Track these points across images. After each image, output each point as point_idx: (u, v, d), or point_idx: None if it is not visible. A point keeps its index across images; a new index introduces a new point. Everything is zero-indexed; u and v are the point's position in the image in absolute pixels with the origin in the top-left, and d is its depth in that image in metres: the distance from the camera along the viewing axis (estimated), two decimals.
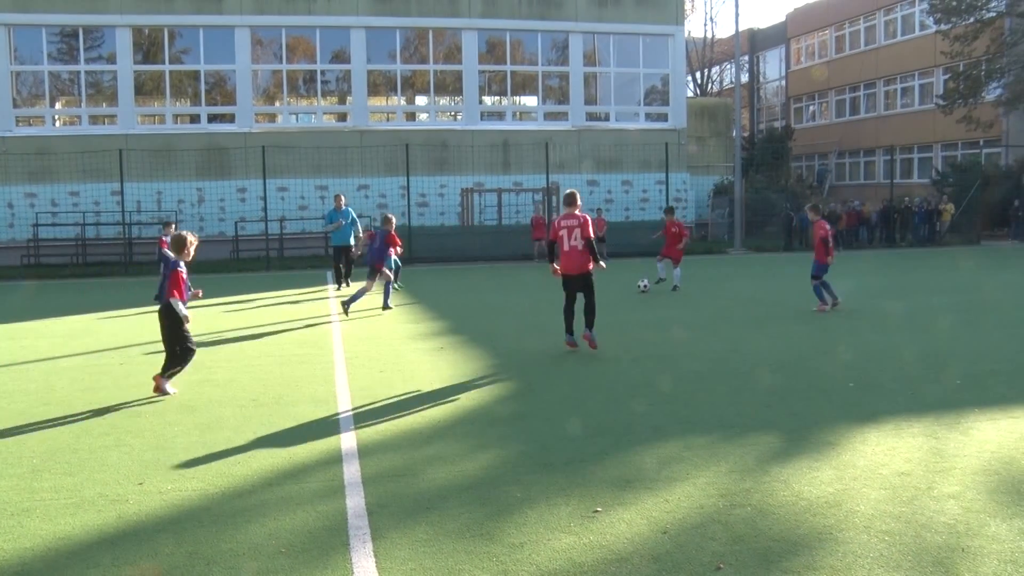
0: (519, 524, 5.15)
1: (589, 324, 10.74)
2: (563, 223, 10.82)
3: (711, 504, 5.42)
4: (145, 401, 8.70)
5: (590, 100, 35.47)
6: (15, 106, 31.15)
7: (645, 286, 16.93)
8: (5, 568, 4.72)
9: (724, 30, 63.84)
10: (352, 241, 20.45)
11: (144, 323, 14.68)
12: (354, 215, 21.23)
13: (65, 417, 8.09)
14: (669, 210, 20.10)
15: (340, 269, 20.49)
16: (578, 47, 34.71)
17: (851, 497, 5.47)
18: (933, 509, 5.25)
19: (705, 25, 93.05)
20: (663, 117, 35.95)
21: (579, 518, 5.22)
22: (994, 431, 6.97)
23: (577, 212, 10.89)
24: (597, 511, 5.32)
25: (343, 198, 21.28)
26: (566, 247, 10.71)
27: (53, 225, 29.83)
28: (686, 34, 39.28)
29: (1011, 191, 34.81)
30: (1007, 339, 11.65)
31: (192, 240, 9.33)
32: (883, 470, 6.01)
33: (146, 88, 32.59)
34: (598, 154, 34.35)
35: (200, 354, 11.33)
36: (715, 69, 64.82)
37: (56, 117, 32.49)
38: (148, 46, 32.28)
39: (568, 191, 11.20)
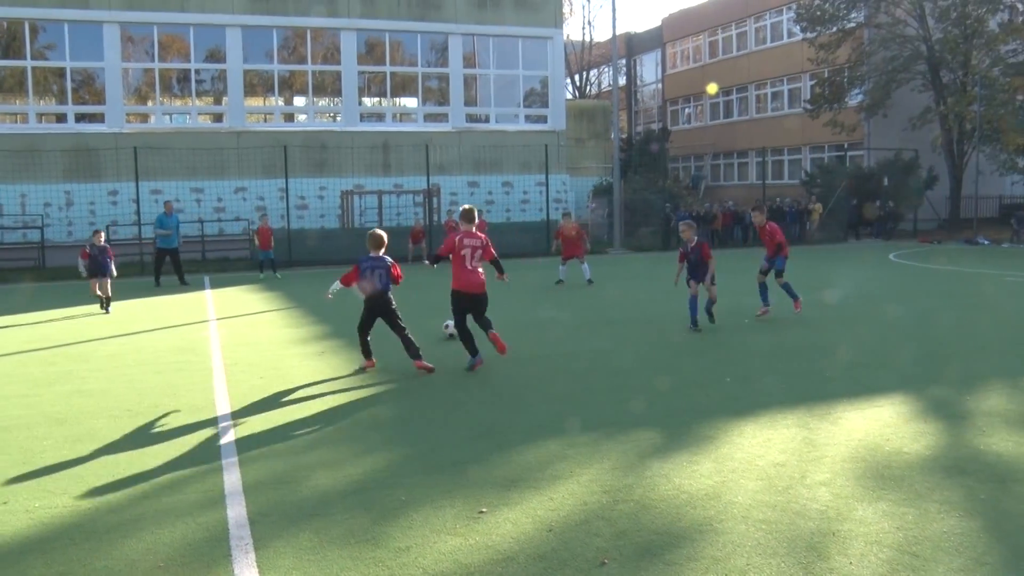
0: (404, 528, 5.14)
1: (488, 326, 10.47)
2: (466, 242, 10.32)
3: (595, 501, 5.51)
4: (11, 414, 8.31)
5: (470, 102, 35.58)
6: None
7: (448, 329, 14.16)
8: None
9: (602, 34, 64.90)
10: (177, 245, 22.75)
11: (13, 330, 14.04)
12: (179, 220, 23.46)
13: None
14: (566, 215, 20.69)
15: (160, 271, 22.61)
16: (457, 49, 34.77)
17: (730, 489, 5.65)
18: (806, 497, 5.47)
19: (583, 28, 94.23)
20: (543, 119, 36.33)
21: (464, 519, 5.24)
22: (861, 419, 7.31)
23: (475, 230, 10.69)
24: (482, 512, 5.35)
25: (172, 204, 23.91)
26: (468, 266, 10.41)
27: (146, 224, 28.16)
28: (565, 37, 39.75)
29: (873, 192, 36.42)
30: (871, 332, 12.20)
31: None
32: (760, 461, 6.22)
33: (6, 85, 31.14)
34: (478, 155, 34.49)
35: (72, 363, 10.94)
36: (593, 72, 65.91)
37: None
38: (8, 40, 30.85)
39: (466, 207, 10.89)
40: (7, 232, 28.36)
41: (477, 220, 10.69)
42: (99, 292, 16.40)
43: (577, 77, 64.91)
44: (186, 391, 9.18)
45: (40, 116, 31.45)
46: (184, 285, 22.07)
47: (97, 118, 31.25)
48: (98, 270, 16.32)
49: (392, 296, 10.28)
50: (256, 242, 24.32)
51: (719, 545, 4.78)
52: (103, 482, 6.14)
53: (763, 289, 13.71)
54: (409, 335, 10.14)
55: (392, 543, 4.92)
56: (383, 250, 10.42)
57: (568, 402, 8.37)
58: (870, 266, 23.95)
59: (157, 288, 21.76)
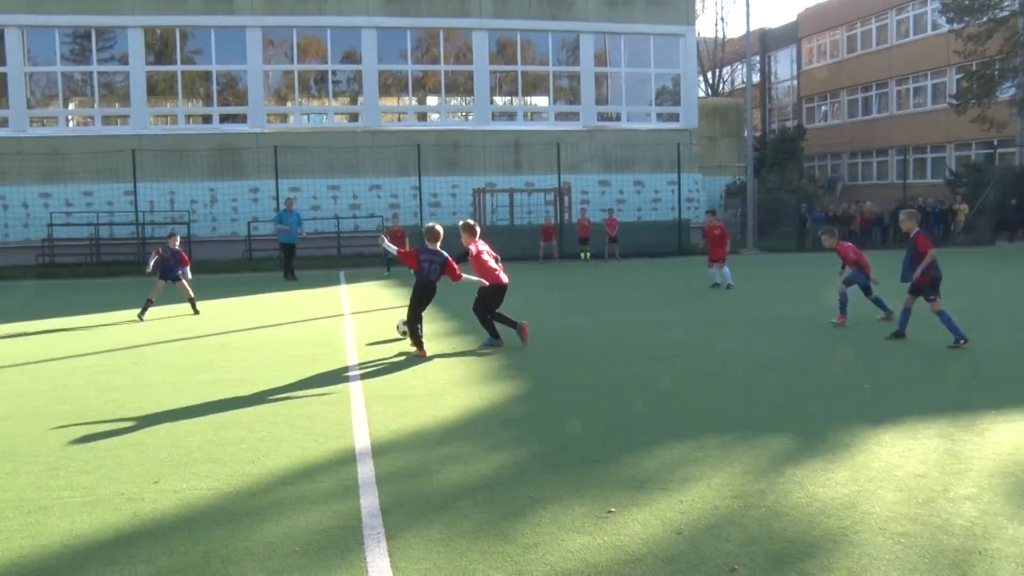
0: (533, 524, 5.15)
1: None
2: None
3: (725, 505, 5.41)
4: (159, 400, 8.73)
5: (601, 100, 35.44)
6: (29, 107, 31.29)
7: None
8: (24, 565, 4.75)
9: (735, 30, 63.51)
10: (296, 240, 23.85)
11: (155, 323, 14.74)
12: (300, 217, 24.64)
13: (80, 416, 8.13)
14: (710, 213, 20.14)
15: (290, 265, 23.68)
16: (589, 47, 34.70)
17: (866, 499, 5.45)
18: (949, 511, 5.22)
19: (716, 25, 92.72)
20: (674, 117, 35.90)
21: (593, 518, 5.22)
22: (1010, 433, 6.94)
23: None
24: (611, 511, 5.32)
25: (293, 202, 25.23)
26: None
27: (67, 225, 29.94)
28: (697, 34, 39.17)
29: None
30: (1015, 339, 11.59)
31: None
32: (898, 472, 5.98)
33: (159, 89, 32.69)
34: (609, 154, 34.34)
35: (213, 353, 11.41)
36: (726, 69, 64.73)
37: (69, 118, 32.62)
38: (160, 47, 32.38)
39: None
40: (157, 227, 29.79)
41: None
42: (153, 297, 15.61)
43: (709, 75, 63.89)
44: (322, 382, 9.46)
45: (188, 117, 32.90)
46: (292, 280, 22.87)
47: (240, 119, 32.49)
48: (166, 273, 15.75)
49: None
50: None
51: (855, 557, 4.61)
52: (243, 467, 6.38)
53: (843, 299, 13.18)
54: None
55: (520, 539, 4.94)
56: (439, 243, 11.28)
57: (698, 403, 8.25)
58: (1014, 271, 22.78)
59: (292, 281, 22.60)
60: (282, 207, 25.32)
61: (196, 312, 15.90)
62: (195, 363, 10.85)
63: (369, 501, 5.60)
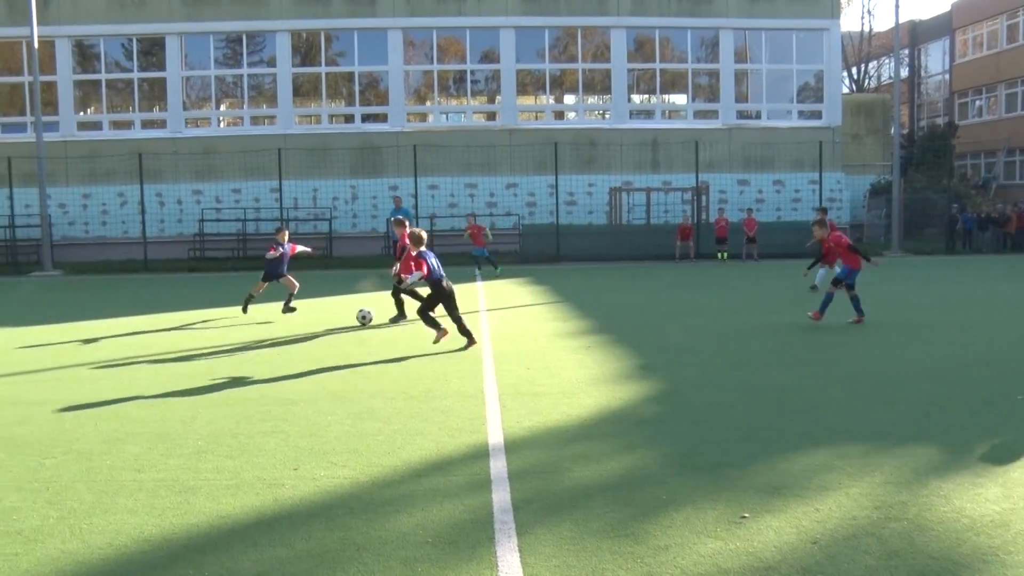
0: (664, 526, 5.09)
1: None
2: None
3: (864, 516, 5.21)
4: (300, 390, 9.03)
5: (741, 98, 34.78)
6: (185, 109, 32.89)
7: (364, 317, 14.04)
8: (174, 541, 5.00)
9: (883, 22, 61.44)
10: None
11: (298, 315, 15.22)
12: (409, 214, 25.22)
13: (226, 402, 8.49)
14: (822, 210, 19.53)
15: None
16: (729, 44, 34.09)
17: (1020, 517, 5.15)
18: None
19: (862, 18, 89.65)
20: (817, 115, 34.91)
21: (726, 523, 5.12)
22: None
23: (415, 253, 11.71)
24: (744, 517, 5.21)
25: (401, 199, 26.52)
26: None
27: (217, 220, 31.34)
28: (842, 28, 37.92)
29: None
30: None
31: None
32: None
33: (304, 90, 33.82)
34: (749, 153, 33.65)
35: (352, 346, 11.72)
36: (873, 64, 62.42)
37: (221, 119, 34.07)
38: (306, 49, 33.50)
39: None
40: (301, 223, 30.86)
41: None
42: (255, 292, 15.55)
43: (854, 70, 61.74)
44: (457, 378, 9.59)
45: (331, 117, 33.91)
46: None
47: (381, 118, 33.29)
48: (273, 272, 15.49)
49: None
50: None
51: None
52: (379, 458, 6.53)
53: (854, 301, 13.27)
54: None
55: (651, 540, 4.89)
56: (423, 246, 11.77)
57: (837, 409, 7.98)
58: None
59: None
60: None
61: (291, 309, 15.38)
62: (333, 356, 11.17)
63: (501, 496, 5.64)
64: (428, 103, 34.41)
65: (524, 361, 10.61)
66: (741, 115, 34.57)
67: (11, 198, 30.11)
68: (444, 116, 34.75)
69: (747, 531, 5.00)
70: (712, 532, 4.99)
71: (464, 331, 11.62)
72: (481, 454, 6.64)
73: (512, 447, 6.80)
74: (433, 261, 11.65)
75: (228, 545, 4.94)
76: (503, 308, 16.16)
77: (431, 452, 6.70)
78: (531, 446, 6.86)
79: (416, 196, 29.21)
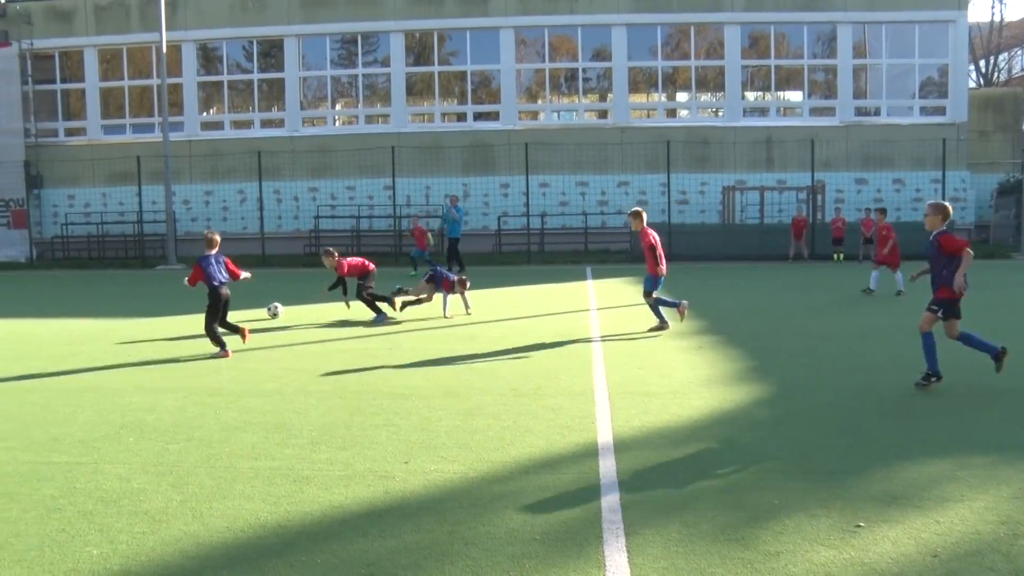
0: (775, 532, 4.96)
1: None
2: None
3: (989, 531, 4.97)
4: (411, 385, 9.13)
5: (859, 94, 33.77)
6: (302, 108, 33.73)
7: (273, 310, 14.87)
8: (289, 528, 5.13)
9: (1015, 11, 58.56)
10: (458, 235, 24.82)
11: (410, 311, 15.41)
12: (463, 213, 25.71)
13: (340, 395, 8.65)
14: (880, 211, 18.79)
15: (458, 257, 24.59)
16: (847, 38, 33.13)
17: None
18: None
19: (992, 8, 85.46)
20: (940, 111, 33.63)
21: (839, 532, 4.96)
22: None
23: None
24: (859, 526, 5.03)
25: (458, 198, 26.25)
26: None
27: (332, 217, 32.06)
28: (969, 18, 36.41)
29: None
30: None
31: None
32: None
33: (417, 89, 34.28)
34: (867, 151, 32.65)
35: (463, 342, 11.80)
36: (1003, 55, 59.78)
37: (336, 118, 34.81)
38: (419, 49, 33.96)
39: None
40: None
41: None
42: (406, 297, 15.36)
43: (982, 62, 59.27)
44: (567, 376, 9.55)
45: (444, 115, 34.27)
46: (460, 270, 23.19)
47: (492, 116, 33.50)
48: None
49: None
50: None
51: None
52: (488, 454, 6.55)
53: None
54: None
55: (762, 546, 4.77)
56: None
57: (959, 418, 7.63)
58: None
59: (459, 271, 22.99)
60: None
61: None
62: (444, 351, 11.27)
63: (609, 496, 5.59)
64: (540, 101, 34.47)
65: (634, 361, 10.51)
66: (859, 112, 33.56)
67: (139, 195, 31.58)
68: (555, 114, 34.75)
69: (862, 541, 4.82)
70: (825, 540, 4.83)
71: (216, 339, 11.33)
72: (590, 453, 6.59)
73: (621, 447, 6.73)
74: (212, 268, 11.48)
75: (339, 534, 5.03)
76: (613, 307, 16.04)
77: (540, 449, 6.68)
78: (640, 446, 6.78)
79: (528, 194, 29.29)
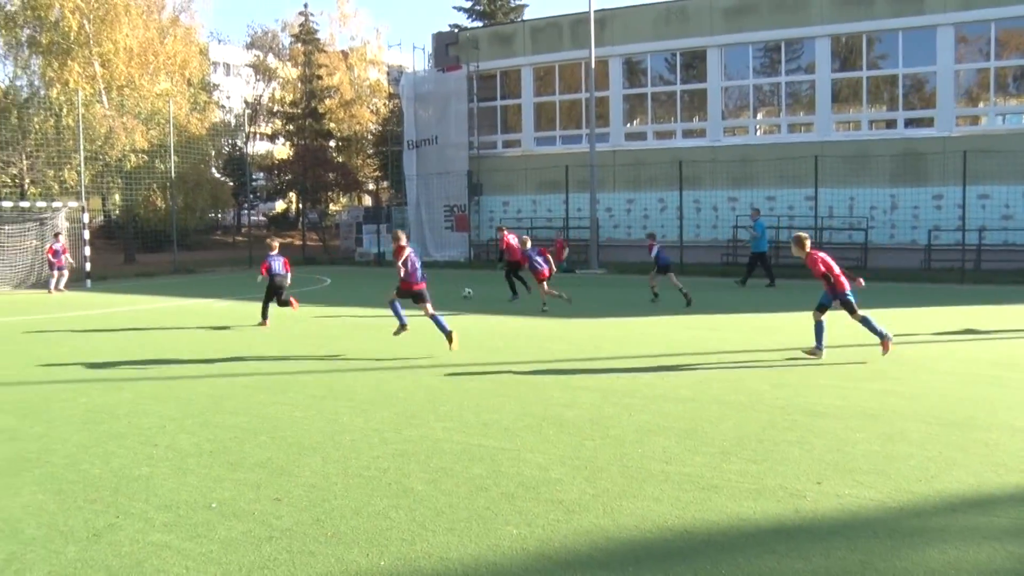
0: None
1: None
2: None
3: None
4: (826, 404, 8.81)
5: None
6: (723, 118, 33.81)
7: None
8: (695, 535, 5.24)
9: None
10: (765, 249, 24.67)
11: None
12: (764, 226, 24.81)
13: (754, 408, 8.59)
14: None
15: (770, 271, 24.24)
16: None
17: None
18: None
19: None
20: None
21: None
22: None
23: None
24: None
25: (759, 211, 25.62)
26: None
27: (747, 228, 31.69)
28: None
29: None
30: None
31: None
32: None
33: (843, 95, 32.89)
34: None
35: (883, 363, 11.12)
36: None
37: (758, 127, 34.43)
38: (846, 53, 32.55)
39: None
40: (835, 233, 30.16)
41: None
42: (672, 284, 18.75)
43: None
44: (1005, 408, 8.64)
45: (871, 123, 32.58)
46: (770, 287, 23.43)
47: (925, 122, 31.22)
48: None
49: None
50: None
51: None
52: (910, 485, 6.15)
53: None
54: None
55: None
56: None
57: None
58: None
59: (772, 288, 23.25)
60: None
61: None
62: (864, 371, 10.73)
63: None
64: (981, 104, 31.56)
65: None
66: None
67: (566, 202, 33.60)
68: (1000, 118, 31.63)
69: None
70: None
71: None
72: None
73: None
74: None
75: (745, 547, 5.01)
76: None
77: (970, 486, 6.15)
78: None
79: (964, 206, 26.80)
